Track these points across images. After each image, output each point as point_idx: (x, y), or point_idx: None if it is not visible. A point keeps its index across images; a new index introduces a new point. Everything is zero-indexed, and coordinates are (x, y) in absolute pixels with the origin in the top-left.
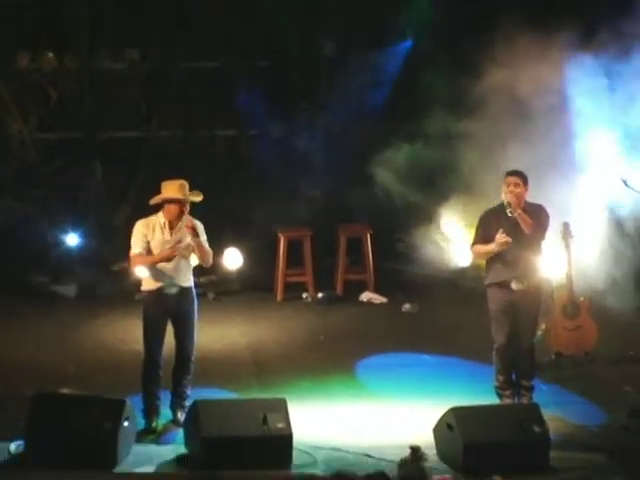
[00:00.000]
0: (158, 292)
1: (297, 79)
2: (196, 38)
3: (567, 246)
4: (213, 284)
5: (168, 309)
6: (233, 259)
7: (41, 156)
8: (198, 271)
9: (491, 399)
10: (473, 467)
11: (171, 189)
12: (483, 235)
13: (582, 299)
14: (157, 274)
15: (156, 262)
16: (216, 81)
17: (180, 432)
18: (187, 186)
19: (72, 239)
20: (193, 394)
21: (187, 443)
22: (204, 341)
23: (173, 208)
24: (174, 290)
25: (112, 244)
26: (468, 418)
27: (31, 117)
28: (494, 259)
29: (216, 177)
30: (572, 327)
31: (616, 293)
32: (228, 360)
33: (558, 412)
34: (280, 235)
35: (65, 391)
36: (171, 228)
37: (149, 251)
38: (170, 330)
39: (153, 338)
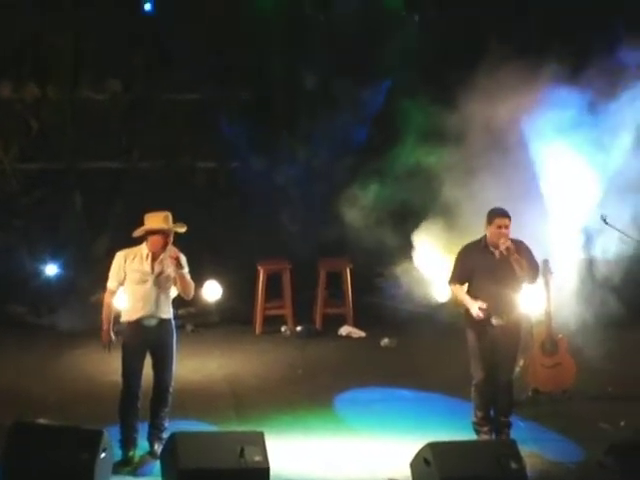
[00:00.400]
0: (137, 323)
1: (279, 112)
2: (178, 69)
3: (546, 283)
4: (192, 316)
5: (147, 341)
6: (212, 291)
7: (22, 186)
8: (177, 303)
9: (469, 435)
10: None
11: (155, 220)
12: (462, 271)
13: (561, 336)
14: (136, 305)
15: (104, 324)
16: (197, 112)
17: (157, 464)
18: (171, 217)
19: (51, 269)
20: (171, 426)
21: (164, 475)
22: (182, 373)
23: (157, 239)
24: (153, 322)
25: (91, 275)
26: (445, 453)
27: (12, 147)
28: (473, 295)
29: (196, 209)
30: (550, 364)
31: (588, 333)
32: (206, 392)
33: (535, 449)
34: (260, 268)
35: (43, 421)
36: (153, 260)
37: (124, 282)
38: (148, 361)
39: (131, 370)
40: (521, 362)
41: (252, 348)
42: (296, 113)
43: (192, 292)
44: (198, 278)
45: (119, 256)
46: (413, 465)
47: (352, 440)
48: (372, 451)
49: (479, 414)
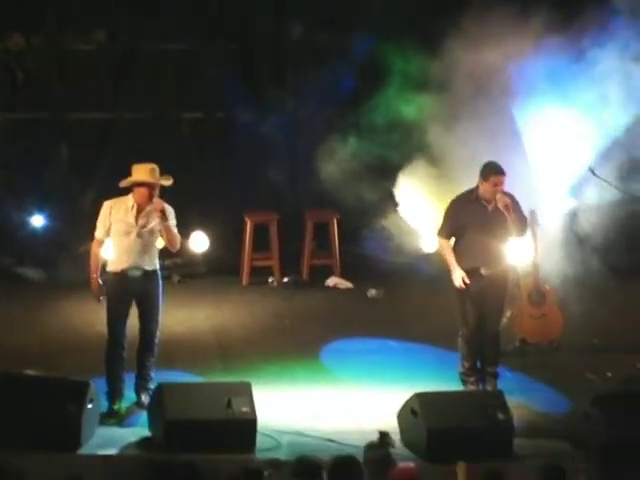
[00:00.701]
0: (122, 274)
1: (265, 62)
2: (164, 20)
3: (534, 234)
4: (178, 267)
5: (132, 291)
6: (199, 242)
7: (7, 136)
8: (163, 254)
9: (456, 386)
10: (437, 453)
11: (142, 172)
12: (453, 224)
13: (548, 287)
14: (121, 257)
15: (91, 273)
16: (184, 63)
17: (144, 415)
18: (157, 170)
19: (38, 220)
20: (157, 377)
21: (151, 426)
22: (169, 323)
23: (143, 191)
24: (137, 273)
25: (78, 226)
26: (432, 404)
27: None
28: (464, 246)
29: (183, 159)
30: (538, 315)
31: (573, 285)
32: (192, 343)
33: (522, 399)
34: (247, 219)
35: (29, 372)
36: (139, 212)
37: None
38: (135, 312)
39: (116, 320)
40: (508, 313)
41: (239, 299)
42: (282, 63)
43: (178, 244)
44: (185, 229)
45: (105, 205)
46: (400, 415)
47: (339, 391)
48: (359, 401)
49: (466, 364)
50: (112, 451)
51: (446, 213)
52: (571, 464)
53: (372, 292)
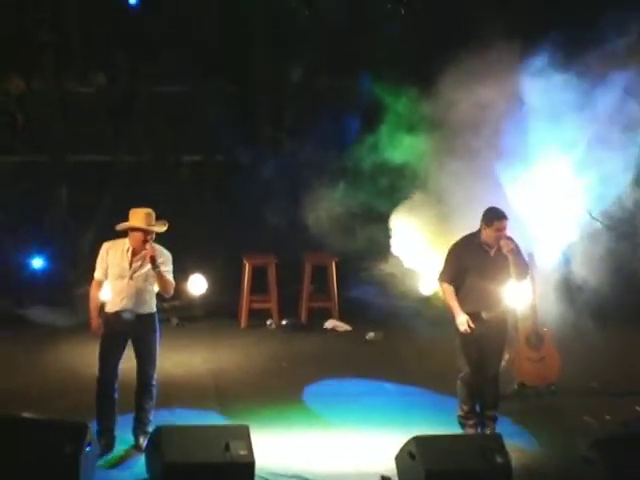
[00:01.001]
0: (115, 316)
1: (264, 105)
2: (164, 62)
3: (532, 277)
4: (177, 310)
5: (125, 333)
6: (197, 285)
7: (7, 179)
8: (162, 296)
9: (454, 430)
10: None
11: (137, 217)
12: (454, 269)
13: (546, 330)
14: (115, 299)
15: (90, 310)
16: (183, 105)
17: (142, 458)
18: (153, 215)
19: (37, 262)
20: (155, 419)
21: (149, 469)
22: (167, 366)
23: (137, 236)
24: (131, 316)
25: (77, 269)
26: (430, 447)
27: None
28: (465, 291)
29: (182, 202)
30: (536, 358)
31: (571, 328)
32: (190, 386)
33: (520, 443)
34: (245, 261)
35: (27, 414)
36: (133, 255)
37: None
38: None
39: (107, 361)
40: (506, 356)
41: (237, 342)
42: (281, 106)
43: (171, 290)
44: (183, 272)
45: (103, 247)
46: (398, 459)
47: (337, 434)
48: (357, 445)
49: (465, 407)
50: None
51: (448, 257)
52: None
53: (371, 335)
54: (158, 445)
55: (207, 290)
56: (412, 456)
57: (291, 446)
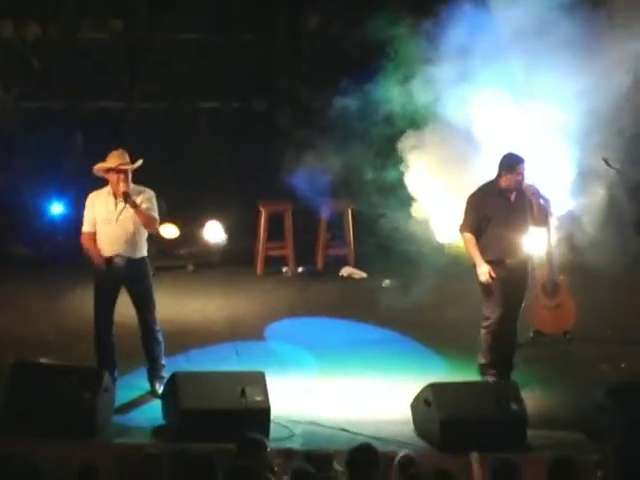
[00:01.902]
0: (106, 262)
1: (281, 53)
2: (180, 10)
3: (548, 224)
4: (193, 256)
5: (117, 279)
6: (214, 232)
7: (23, 125)
8: (179, 243)
9: (469, 378)
10: (450, 443)
11: (109, 159)
12: (476, 218)
13: (562, 277)
14: (104, 245)
15: (92, 254)
16: (199, 53)
17: (158, 403)
18: (126, 155)
19: (56, 208)
20: (171, 366)
21: (165, 415)
22: (183, 313)
23: (112, 177)
24: (122, 261)
25: None
26: (446, 394)
27: (13, 87)
28: (488, 239)
29: (198, 149)
30: (551, 306)
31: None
32: (207, 332)
33: (536, 390)
34: (261, 208)
35: (44, 360)
36: (116, 197)
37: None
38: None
39: (101, 306)
40: (523, 303)
41: (253, 289)
42: (298, 53)
43: (154, 226)
44: (199, 218)
45: (88, 199)
46: (414, 406)
47: (352, 381)
48: (372, 391)
49: (487, 357)
50: (127, 440)
51: (468, 207)
52: (585, 455)
53: (387, 282)
54: (174, 391)
55: (224, 238)
56: (428, 403)
57: (307, 393)
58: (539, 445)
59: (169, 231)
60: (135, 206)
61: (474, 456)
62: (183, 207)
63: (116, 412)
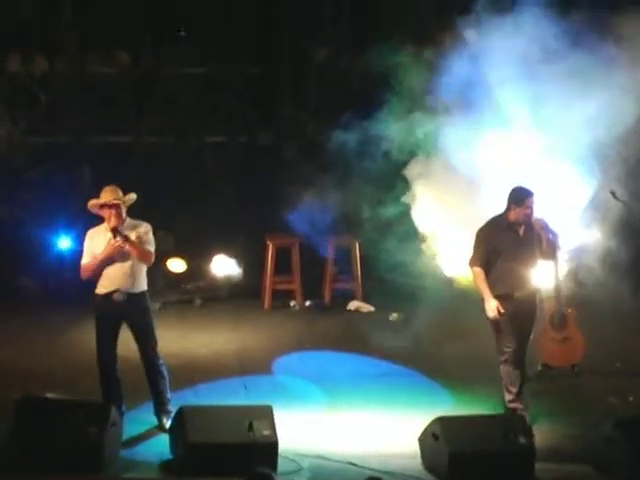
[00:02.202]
0: (106, 298)
1: (287, 86)
2: (186, 44)
3: (555, 257)
4: (200, 290)
5: (118, 315)
6: (223, 266)
7: (30, 159)
8: (186, 277)
9: (475, 411)
10: (459, 477)
11: (103, 194)
12: (485, 252)
13: (570, 310)
14: (104, 281)
15: (102, 261)
16: (205, 87)
17: (166, 437)
18: (119, 190)
19: (64, 243)
20: (180, 400)
21: (173, 449)
22: (190, 347)
23: (106, 213)
24: (122, 297)
25: None
26: (454, 428)
27: (20, 120)
28: (497, 273)
29: (205, 183)
30: (559, 339)
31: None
32: (214, 366)
33: (544, 423)
34: (269, 242)
35: (51, 395)
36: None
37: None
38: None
39: (103, 341)
40: (531, 336)
41: (261, 323)
42: (303, 86)
43: (150, 259)
44: (207, 253)
45: (87, 234)
46: (421, 440)
47: (359, 414)
48: (379, 426)
49: (513, 390)
50: (135, 474)
51: (477, 241)
52: None
53: (394, 315)
54: (181, 425)
55: (231, 271)
56: (435, 437)
57: (314, 426)
58: (547, 478)
59: (176, 265)
60: (126, 240)
61: None
62: (190, 241)
63: (123, 446)
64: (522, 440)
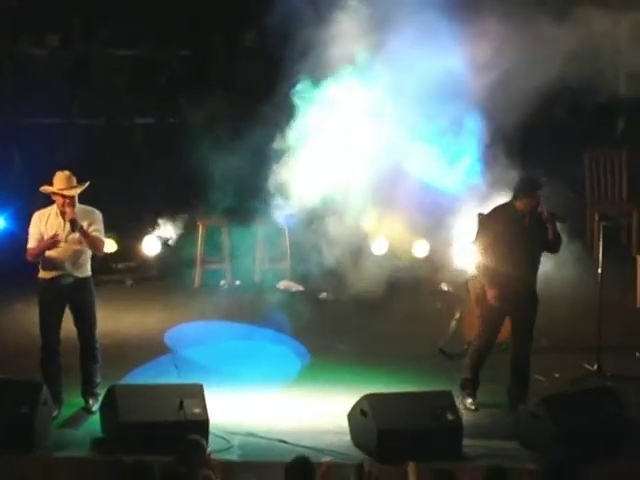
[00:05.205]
0: (52, 282)
1: (217, 67)
2: (117, 26)
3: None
4: (131, 270)
5: (63, 298)
6: (152, 246)
7: None
8: (117, 257)
9: (405, 389)
10: (387, 453)
11: (57, 181)
12: (489, 240)
13: None
14: (52, 264)
15: (43, 248)
16: (136, 69)
17: (94, 418)
18: (73, 178)
19: None
20: (111, 379)
21: (104, 428)
22: (122, 327)
23: (59, 200)
24: (69, 281)
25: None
26: (382, 405)
27: None
28: (499, 261)
29: (135, 164)
30: None
31: None
32: (146, 346)
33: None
34: (199, 222)
35: None
36: (64, 218)
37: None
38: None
39: (47, 327)
40: (457, 315)
41: (191, 302)
42: (235, 69)
43: (101, 248)
44: (138, 233)
45: (36, 216)
46: (350, 416)
47: (289, 392)
48: (309, 403)
49: (472, 373)
50: (66, 453)
51: (483, 228)
52: (520, 464)
53: (323, 294)
54: (112, 404)
55: (161, 251)
56: (364, 414)
57: (245, 405)
58: (474, 455)
59: (107, 246)
60: (83, 232)
61: (410, 466)
62: (121, 222)
63: (57, 426)
64: (449, 417)
